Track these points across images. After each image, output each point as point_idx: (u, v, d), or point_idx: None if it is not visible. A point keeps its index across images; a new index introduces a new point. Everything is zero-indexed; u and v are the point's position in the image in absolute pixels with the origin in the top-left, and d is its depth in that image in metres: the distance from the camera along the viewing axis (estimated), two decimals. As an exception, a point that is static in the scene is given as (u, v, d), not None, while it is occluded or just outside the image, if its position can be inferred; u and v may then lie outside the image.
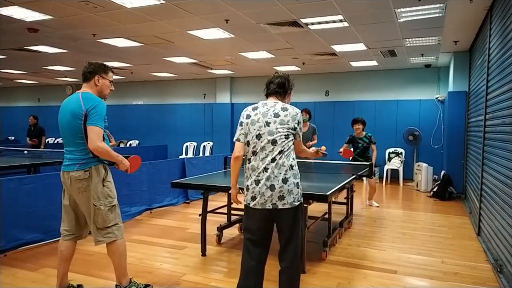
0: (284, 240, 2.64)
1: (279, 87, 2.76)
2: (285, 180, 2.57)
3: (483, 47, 5.55)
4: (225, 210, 4.89)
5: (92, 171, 2.87)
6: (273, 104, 2.68)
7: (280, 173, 2.56)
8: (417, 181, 8.83)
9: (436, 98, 9.77)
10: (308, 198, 3.44)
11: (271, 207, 2.57)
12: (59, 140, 14.24)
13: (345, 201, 5.46)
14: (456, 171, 7.74)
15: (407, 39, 7.00)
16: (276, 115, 2.63)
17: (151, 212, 6.14)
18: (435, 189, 7.81)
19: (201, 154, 12.34)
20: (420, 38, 6.93)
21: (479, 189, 5.15)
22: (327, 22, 5.95)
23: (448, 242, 4.78)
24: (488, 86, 4.93)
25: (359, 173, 5.09)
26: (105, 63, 3.11)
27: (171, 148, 12.52)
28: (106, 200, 2.91)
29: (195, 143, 12.78)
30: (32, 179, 4.50)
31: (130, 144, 13.56)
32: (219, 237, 4.64)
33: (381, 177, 9.88)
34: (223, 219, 5.01)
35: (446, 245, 4.67)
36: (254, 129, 2.62)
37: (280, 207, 2.57)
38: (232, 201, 2.82)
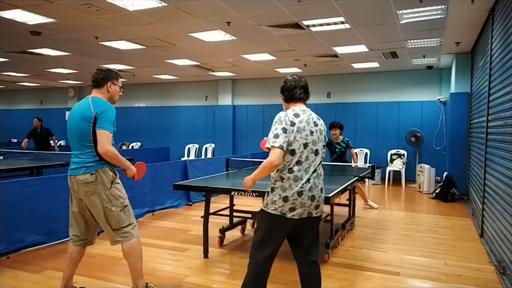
0: (309, 244, 2.66)
1: (306, 92, 2.66)
2: (322, 190, 2.61)
3: (485, 48, 5.55)
4: (227, 212, 4.89)
5: (99, 174, 2.85)
6: (310, 112, 2.62)
7: (319, 183, 2.58)
8: (419, 183, 8.81)
9: (438, 99, 9.76)
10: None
11: (306, 215, 2.54)
12: (62, 142, 14.27)
13: (347, 203, 5.46)
14: (458, 172, 7.73)
15: (408, 41, 7.00)
16: (315, 124, 2.59)
17: (153, 214, 6.15)
18: (437, 191, 7.79)
19: (203, 156, 12.34)
20: (422, 40, 6.93)
21: (481, 190, 5.14)
22: (328, 24, 5.96)
23: (451, 244, 4.77)
24: (490, 88, 4.92)
25: (361, 175, 5.09)
26: (110, 67, 3.12)
27: (173, 150, 12.54)
28: (117, 201, 2.91)
29: (197, 145, 12.79)
30: (35, 182, 4.52)
31: (132, 146, 13.59)
32: (221, 239, 4.65)
33: (383, 179, 9.87)
34: (225, 221, 5.01)
35: (449, 246, 4.66)
36: (301, 138, 2.48)
37: (314, 215, 2.57)
38: (245, 185, 2.67)
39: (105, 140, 2.79)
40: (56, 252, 4.23)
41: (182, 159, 10.90)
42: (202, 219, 4.20)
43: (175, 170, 6.89)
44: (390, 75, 10.40)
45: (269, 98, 11.86)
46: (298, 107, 2.61)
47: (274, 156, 2.42)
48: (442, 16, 5.46)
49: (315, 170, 2.54)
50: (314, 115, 2.64)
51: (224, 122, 12.40)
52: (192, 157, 12.43)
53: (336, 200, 4.52)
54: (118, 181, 2.99)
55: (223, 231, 4.68)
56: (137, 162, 3.15)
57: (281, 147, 2.41)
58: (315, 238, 2.69)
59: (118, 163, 2.93)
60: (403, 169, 9.60)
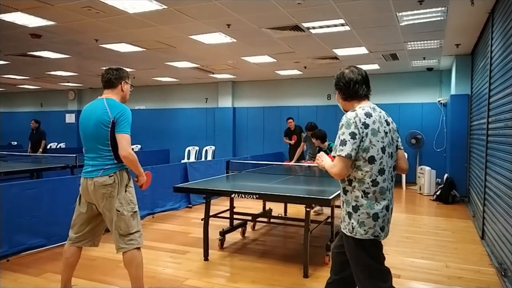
0: None
1: (368, 86, 2.24)
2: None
3: (485, 50, 5.55)
4: (227, 214, 4.88)
5: (117, 177, 2.85)
6: (380, 110, 2.22)
7: (392, 192, 2.21)
8: (420, 185, 8.80)
9: (439, 101, 9.76)
10: (311, 202, 3.43)
11: (387, 234, 2.17)
12: (62, 145, 14.28)
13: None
14: (459, 174, 7.71)
15: (408, 43, 7.00)
16: (387, 123, 2.18)
17: (153, 217, 6.14)
18: (438, 193, 7.78)
19: (203, 159, 12.34)
20: (422, 42, 6.94)
21: (482, 192, 5.13)
22: (328, 26, 5.96)
23: (452, 246, 4.75)
24: (490, 89, 4.92)
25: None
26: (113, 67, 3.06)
27: (173, 153, 12.53)
28: (128, 206, 2.89)
29: (197, 148, 12.78)
30: (34, 184, 4.52)
31: (132, 149, 13.54)
32: (222, 241, 4.63)
33: (383, 181, 9.86)
34: (225, 224, 5.00)
35: (450, 249, 4.65)
36: (378, 141, 2.06)
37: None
38: (317, 161, 2.28)
39: (127, 144, 2.81)
40: (56, 255, 4.21)
41: (182, 161, 10.89)
42: (202, 221, 4.20)
43: (175, 172, 6.88)
44: (390, 77, 10.40)
45: (269, 100, 11.84)
46: (367, 105, 2.19)
47: (338, 167, 2.03)
48: (442, 18, 5.47)
49: (392, 178, 2.16)
50: (384, 113, 2.22)
51: (224, 124, 12.39)
52: (192, 159, 12.42)
53: (337, 202, 4.51)
54: (132, 185, 2.98)
55: (223, 233, 4.66)
56: (145, 172, 3.12)
57: (348, 156, 2.01)
58: None
59: (135, 168, 2.92)
60: (404, 171, 9.58)
